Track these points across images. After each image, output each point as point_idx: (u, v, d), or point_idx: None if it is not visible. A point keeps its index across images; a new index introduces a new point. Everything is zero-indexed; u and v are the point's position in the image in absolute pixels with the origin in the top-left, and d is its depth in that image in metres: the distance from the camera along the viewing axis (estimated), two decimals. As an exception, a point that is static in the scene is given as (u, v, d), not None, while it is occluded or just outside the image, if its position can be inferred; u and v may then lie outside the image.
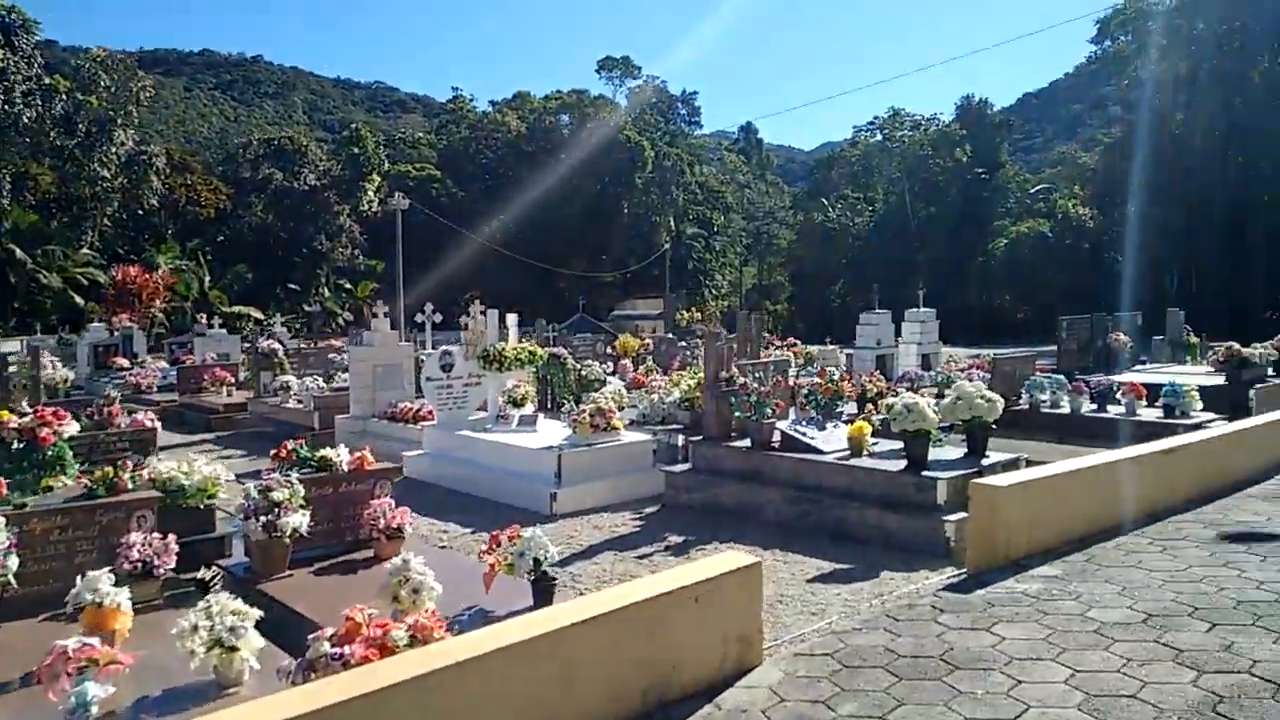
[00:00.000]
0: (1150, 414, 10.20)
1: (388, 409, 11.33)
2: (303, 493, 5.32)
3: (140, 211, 44.70)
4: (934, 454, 7.09)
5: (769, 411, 7.78)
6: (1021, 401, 11.08)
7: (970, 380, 13.28)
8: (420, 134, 79.09)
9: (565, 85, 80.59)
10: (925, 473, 6.69)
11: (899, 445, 7.16)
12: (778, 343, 46.75)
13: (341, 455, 5.95)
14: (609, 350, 19.39)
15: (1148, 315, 16.17)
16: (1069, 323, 12.89)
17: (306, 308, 53.77)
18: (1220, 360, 10.87)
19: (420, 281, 58.71)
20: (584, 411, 8.42)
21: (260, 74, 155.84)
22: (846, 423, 8.02)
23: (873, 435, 7.59)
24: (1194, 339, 15.19)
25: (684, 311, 17.93)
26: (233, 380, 15.95)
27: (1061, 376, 11.11)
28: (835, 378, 8.40)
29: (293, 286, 54.63)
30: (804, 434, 7.75)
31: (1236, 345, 10.84)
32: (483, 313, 10.51)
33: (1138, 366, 13.03)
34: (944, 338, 17.41)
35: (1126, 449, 7.01)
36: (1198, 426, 9.58)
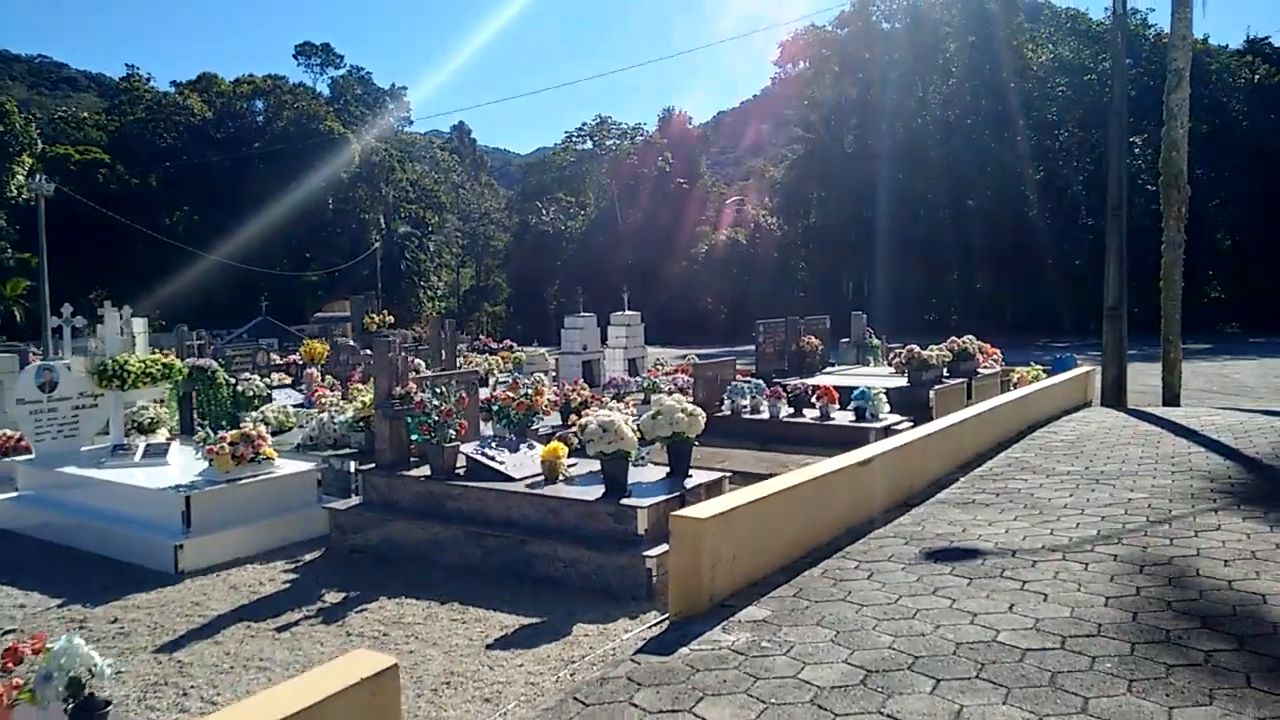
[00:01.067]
0: (844, 417, 10.26)
1: (-15, 438, 8.97)
2: None
3: None
4: (635, 475, 6.38)
5: (452, 433, 6.71)
6: (724, 408, 10.82)
7: (675, 385, 13.05)
8: (86, 113, 69.57)
9: (260, 71, 74.10)
10: (625, 500, 5.92)
11: (600, 466, 6.38)
12: (493, 345, 45.74)
13: None
14: (295, 359, 17.41)
15: (832, 319, 16.94)
16: (765, 326, 12.98)
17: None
18: (902, 362, 11.23)
19: (82, 281, 51.52)
20: (223, 440, 6.86)
21: None
22: (546, 440, 7.15)
23: (573, 455, 6.77)
24: (876, 341, 16.07)
25: (375, 315, 16.27)
26: None
27: (760, 381, 10.99)
28: (530, 389, 7.48)
29: (-91, 285, 45.86)
30: (493, 458, 6.76)
31: (916, 348, 11.25)
32: (116, 317, 8.53)
33: (828, 369, 13.40)
34: (652, 339, 17.41)
35: (827, 462, 6.67)
36: (888, 430, 9.72)
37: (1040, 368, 15.32)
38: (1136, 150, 48.62)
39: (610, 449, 5.95)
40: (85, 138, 61.04)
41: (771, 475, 8.88)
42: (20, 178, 47.44)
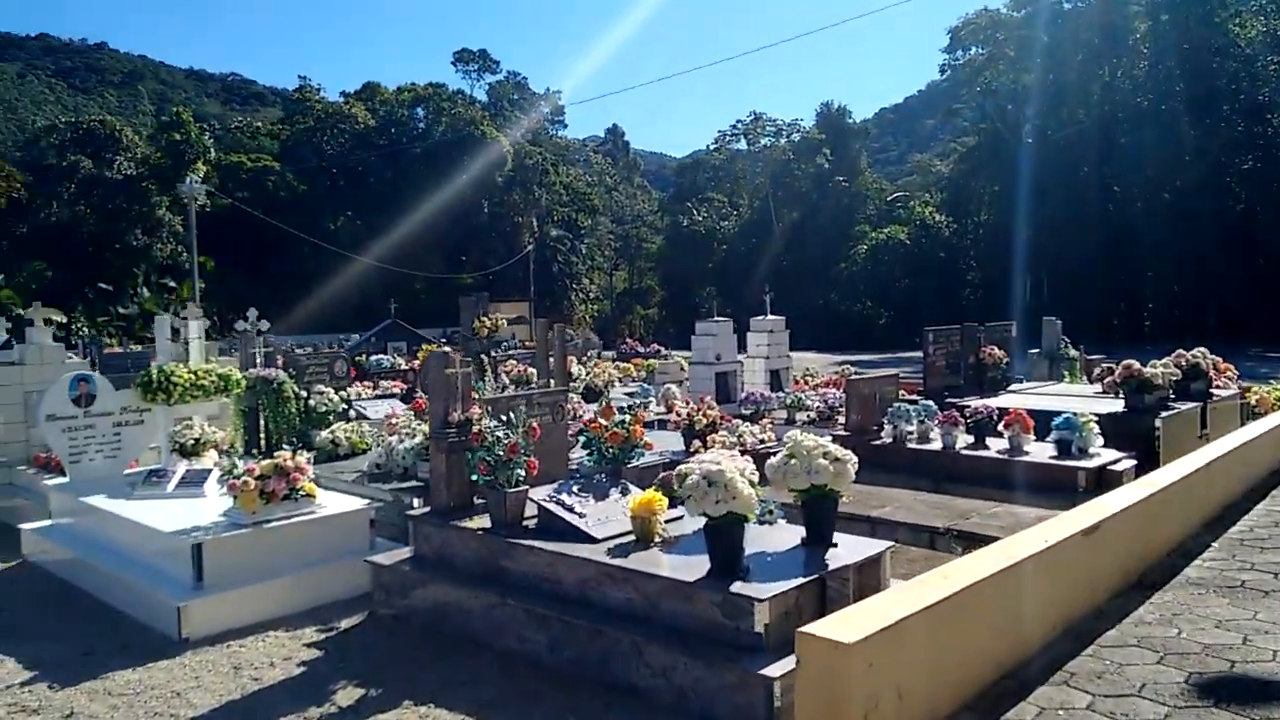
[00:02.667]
0: (1041, 451, 8.10)
1: (44, 452, 8.15)
2: None
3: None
4: (757, 539, 4.63)
5: (520, 473, 5.15)
6: (884, 434, 8.84)
7: (824, 403, 11.09)
8: (260, 124, 73.41)
9: (423, 79, 76.14)
10: (737, 586, 4.17)
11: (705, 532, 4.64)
12: (640, 349, 44.65)
13: None
14: (416, 365, 16.47)
15: (1007, 321, 14.49)
16: (935, 334, 10.86)
17: (123, 309, 48.38)
18: (1115, 381, 8.91)
19: (246, 283, 53.92)
20: (249, 473, 5.55)
21: (105, 62, 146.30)
22: (656, 478, 5.51)
23: (677, 504, 5.07)
24: (1073, 352, 13.48)
25: (485, 318, 15.01)
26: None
27: (930, 402, 8.93)
28: (630, 415, 5.84)
29: (104, 286, 49.00)
30: (570, 508, 5.15)
31: (1135, 364, 8.90)
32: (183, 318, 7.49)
33: (1014, 387, 11.10)
34: (807, 345, 15.51)
35: (1032, 534, 4.70)
36: (1101, 471, 7.51)
37: (1284, 387, 12.44)
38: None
39: (719, 511, 4.22)
40: (258, 146, 64.15)
41: (948, 531, 6.91)
42: (196, 184, 49.97)
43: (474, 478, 5.16)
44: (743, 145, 75.06)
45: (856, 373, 13.50)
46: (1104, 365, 10.34)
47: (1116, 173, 46.05)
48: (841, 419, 9.71)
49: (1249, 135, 43.61)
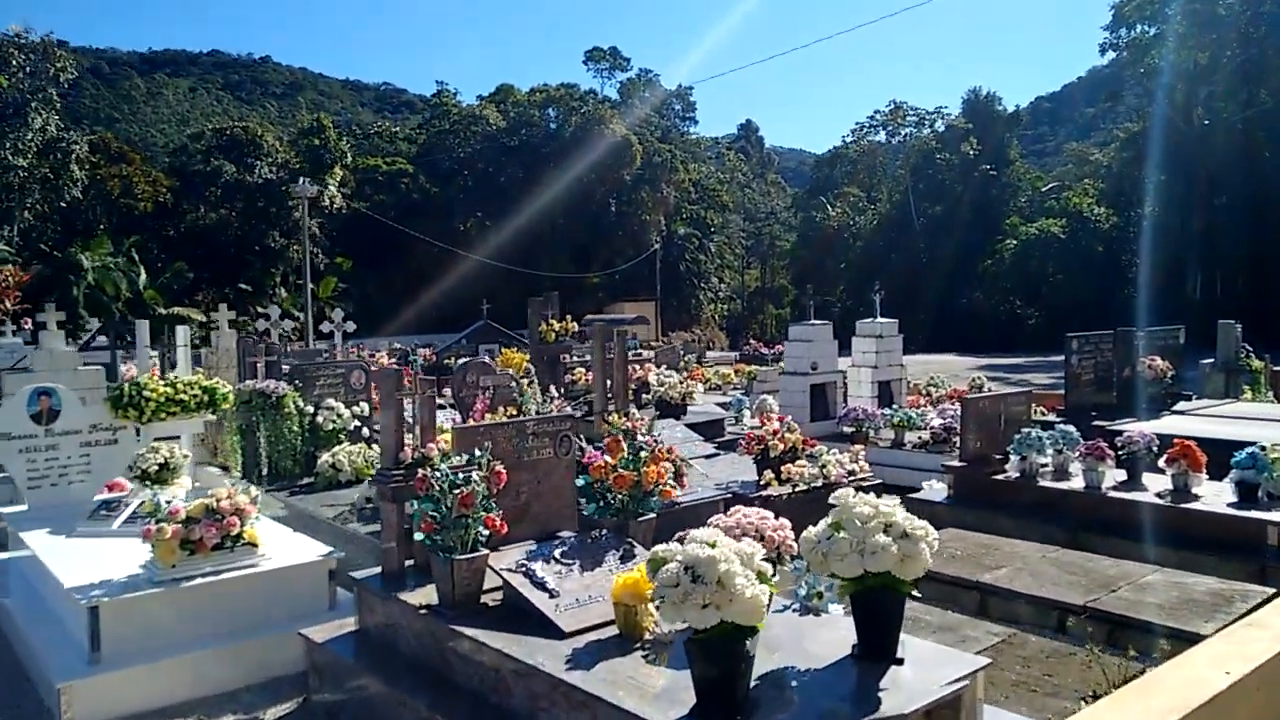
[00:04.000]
0: (1215, 494, 6.22)
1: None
2: None
3: (63, 204, 40.94)
4: (783, 640, 3.19)
5: (483, 533, 3.85)
6: (1009, 466, 7.11)
7: (943, 421, 9.32)
8: (397, 128, 75.41)
9: (560, 80, 76.38)
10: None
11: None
12: (764, 350, 42.88)
13: None
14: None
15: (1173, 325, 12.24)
16: (1081, 341, 8.87)
17: (261, 309, 50.26)
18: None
19: (378, 284, 55.14)
20: (173, 515, 4.47)
21: (268, 75, 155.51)
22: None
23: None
24: (1256, 363, 11.05)
25: (554, 322, 13.38)
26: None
27: (1071, 427, 7.13)
28: (639, 449, 4.44)
29: (244, 287, 51.03)
30: (543, 582, 3.82)
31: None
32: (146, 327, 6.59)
33: (1181, 406, 9.03)
34: (949, 347, 13.54)
35: (1221, 639, 3.06)
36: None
37: None
38: None
39: (707, 621, 2.79)
40: (395, 150, 65.71)
41: (1085, 610, 5.20)
42: (332, 187, 51.28)
43: (417, 537, 3.89)
44: (882, 137, 71.87)
45: (997, 379, 11.58)
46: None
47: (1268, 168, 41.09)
48: (954, 447, 8.00)
49: None
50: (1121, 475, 6.75)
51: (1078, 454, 6.64)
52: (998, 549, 5.84)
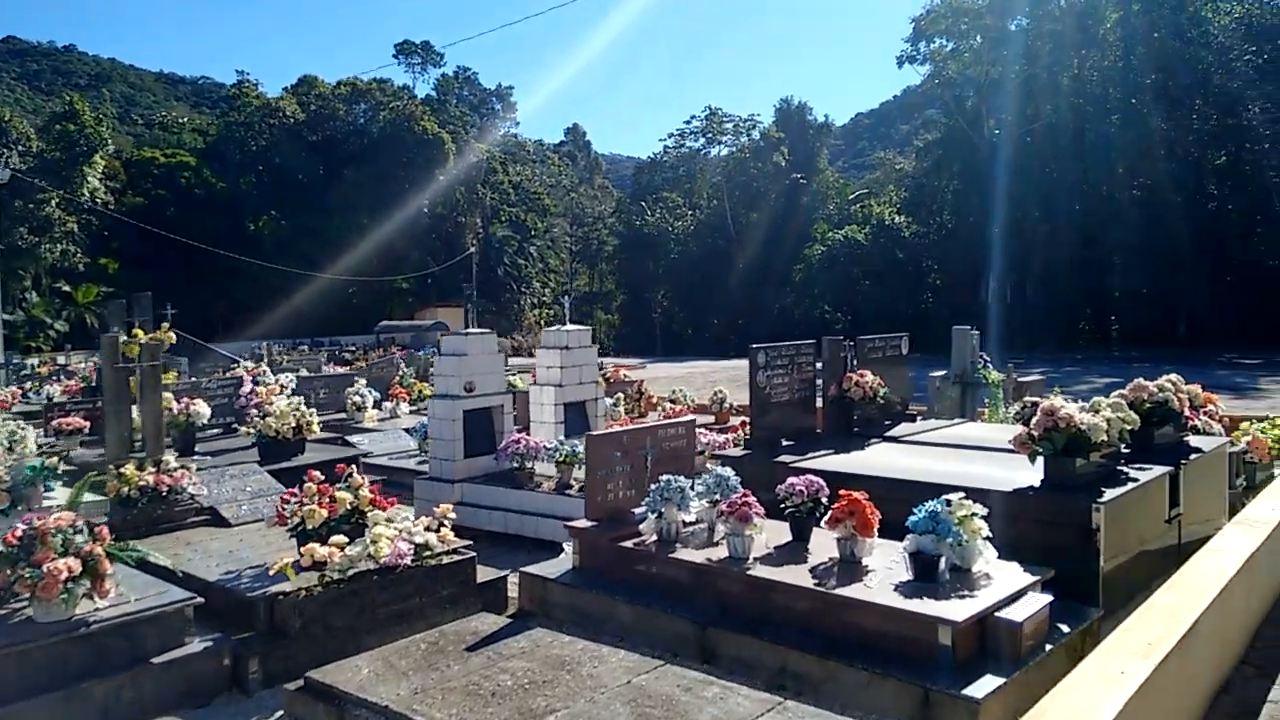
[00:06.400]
0: (886, 568, 4.61)
1: None
2: None
3: None
4: None
5: None
6: (643, 527, 5.33)
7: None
8: (185, 118, 69.33)
9: (369, 75, 72.09)
10: None
11: None
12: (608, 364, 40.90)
13: None
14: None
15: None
16: (769, 353, 6.92)
17: (6, 316, 44.17)
18: (1032, 435, 5.43)
19: (157, 288, 49.77)
20: None
21: (72, 64, 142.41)
22: None
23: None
24: (994, 374, 9.73)
25: (138, 333, 10.63)
26: None
27: (727, 471, 5.42)
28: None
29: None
30: None
31: (1061, 405, 5.42)
32: None
33: (902, 430, 7.58)
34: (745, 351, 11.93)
35: None
36: (985, 622, 4.05)
37: (1285, 422, 9.03)
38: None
39: None
40: (179, 142, 60.18)
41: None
42: (94, 180, 45.86)
43: None
44: (701, 144, 71.87)
45: (598, 432, 9.84)
46: (1026, 401, 6.89)
47: (1085, 169, 43.08)
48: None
49: (1222, 130, 40.77)
50: (787, 539, 5.09)
51: (721, 511, 4.92)
52: (577, 669, 3.98)
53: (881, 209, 51.83)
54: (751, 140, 65.44)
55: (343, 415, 12.82)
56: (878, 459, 6.41)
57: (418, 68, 73.45)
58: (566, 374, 8.48)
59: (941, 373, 10.12)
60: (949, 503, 4.55)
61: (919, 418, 8.10)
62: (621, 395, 11.80)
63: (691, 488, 5.18)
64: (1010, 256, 44.97)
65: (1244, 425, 8.79)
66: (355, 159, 61.44)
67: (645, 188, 76.15)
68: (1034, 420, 5.45)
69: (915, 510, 4.59)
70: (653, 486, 5.12)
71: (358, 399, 12.94)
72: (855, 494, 4.74)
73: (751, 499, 4.86)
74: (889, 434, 7.24)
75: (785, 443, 6.74)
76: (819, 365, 7.40)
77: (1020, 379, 10.13)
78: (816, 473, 5.94)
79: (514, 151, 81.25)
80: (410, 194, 63.35)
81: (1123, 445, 5.93)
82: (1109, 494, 5.13)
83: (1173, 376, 6.52)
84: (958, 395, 9.58)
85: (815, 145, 64.28)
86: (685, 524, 5.18)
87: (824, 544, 4.96)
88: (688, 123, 69.59)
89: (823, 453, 6.47)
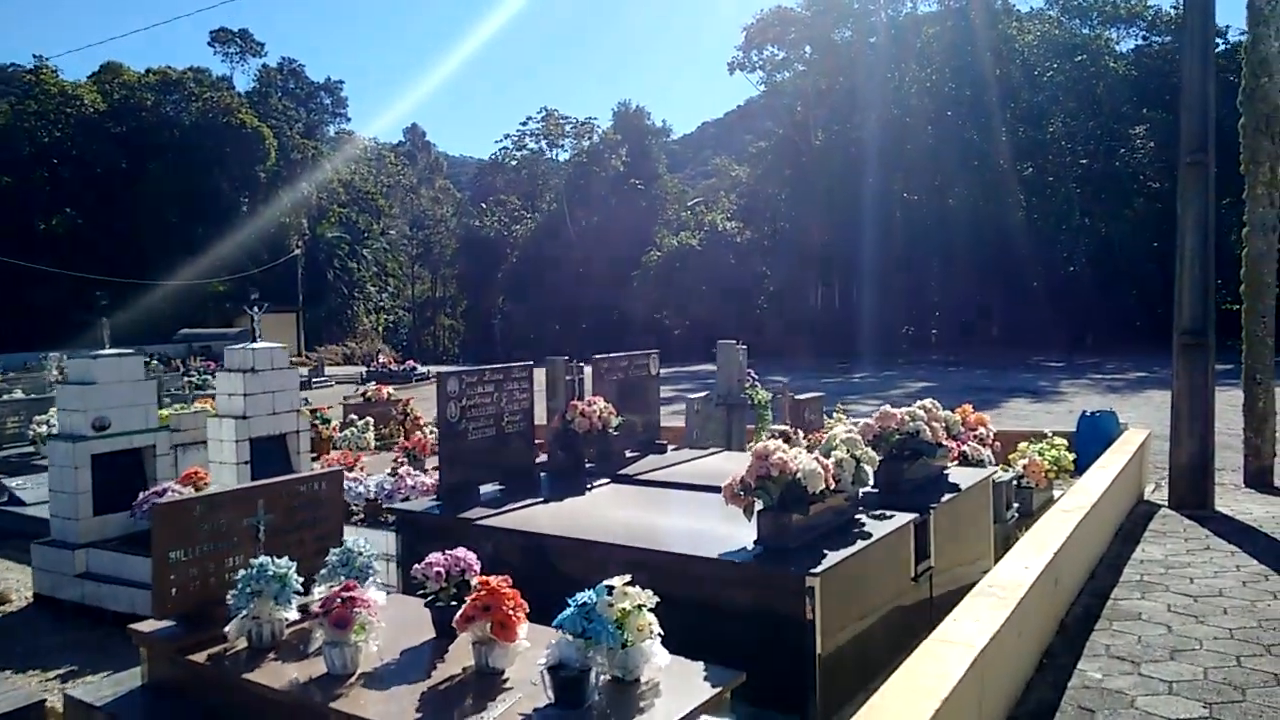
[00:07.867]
0: (525, 687, 3.46)
1: None
2: None
3: None
4: None
5: None
6: (229, 630, 4.00)
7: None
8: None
9: (183, 64, 66.75)
10: None
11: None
12: (393, 367, 38.58)
13: None
14: None
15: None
16: (462, 381, 5.68)
17: None
18: (746, 484, 4.40)
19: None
20: None
21: None
22: None
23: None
24: (762, 394, 8.83)
25: None
26: None
27: (359, 540, 4.19)
28: None
29: None
30: None
31: (779, 449, 4.37)
32: None
33: (647, 460, 6.56)
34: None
35: None
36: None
37: (1060, 442, 8.57)
38: (1138, 140, 42.33)
39: None
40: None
41: None
42: None
43: None
44: (540, 146, 70.55)
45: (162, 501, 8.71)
46: (774, 430, 5.96)
47: (905, 179, 44.41)
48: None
49: (1029, 142, 42.84)
50: (429, 634, 3.89)
51: (312, 612, 3.67)
52: None
53: (714, 216, 51.93)
54: (591, 143, 64.71)
55: (31, 449, 10.62)
56: (592, 509, 5.32)
57: (235, 57, 68.66)
58: (253, 402, 6.91)
59: (701, 395, 9.17)
60: (610, 590, 3.46)
61: (670, 447, 7.07)
62: (370, 419, 10.36)
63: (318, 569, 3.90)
64: (838, 264, 45.90)
65: (1021, 446, 8.25)
66: (165, 152, 56.80)
67: (487, 190, 74.33)
68: (749, 468, 4.47)
69: (569, 601, 3.47)
70: (240, 574, 3.80)
71: (43, 430, 10.80)
72: (495, 582, 3.58)
73: (361, 592, 3.61)
74: (623, 471, 6.18)
75: (492, 488, 5.56)
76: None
77: (796, 396, 9.35)
78: (504, 531, 4.82)
79: (345, 149, 77.46)
80: (227, 190, 59.22)
81: (865, 487, 5.05)
82: (830, 558, 4.18)
83: (926, 403, 5.72)
84: (724, 416, 8.67)
85: (654, 150, 64.09)
86: (291, 623, 3.90)
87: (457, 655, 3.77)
88: (524, 125, 68.09)
89: (526, 502, 5.32)
